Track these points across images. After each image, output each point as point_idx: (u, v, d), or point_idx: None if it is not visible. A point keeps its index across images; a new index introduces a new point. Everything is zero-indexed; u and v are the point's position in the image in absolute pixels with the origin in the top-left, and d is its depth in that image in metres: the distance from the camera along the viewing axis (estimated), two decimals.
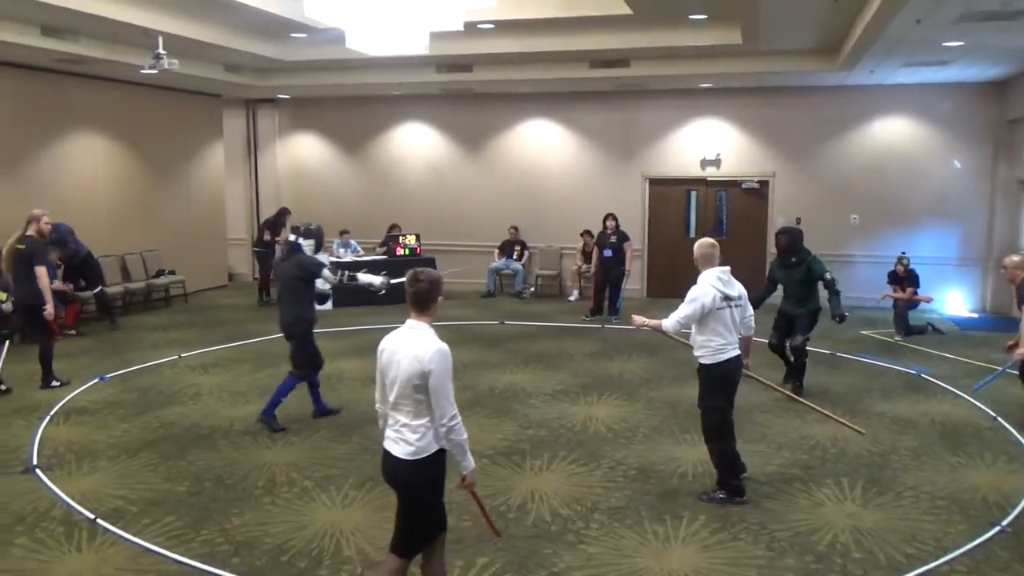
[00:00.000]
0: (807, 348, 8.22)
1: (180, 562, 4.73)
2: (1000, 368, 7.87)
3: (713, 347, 5.57)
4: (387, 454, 3.81)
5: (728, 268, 5.67)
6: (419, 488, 3.78)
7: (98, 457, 6.45)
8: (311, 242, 7.40)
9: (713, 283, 5.56)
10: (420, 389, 3.67)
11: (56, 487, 5.80)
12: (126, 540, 5.01)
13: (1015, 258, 7.64)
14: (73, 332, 10.62)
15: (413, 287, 3.81)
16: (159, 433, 7.05)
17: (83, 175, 12.47)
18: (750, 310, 5.79)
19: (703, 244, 5.80)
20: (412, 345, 3.72)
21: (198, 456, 6.49)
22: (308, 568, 4.68)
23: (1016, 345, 7.39)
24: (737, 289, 5.64)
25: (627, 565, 4.73)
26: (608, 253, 12.50)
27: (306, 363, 7.40)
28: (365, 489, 5.82)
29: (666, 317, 5.69)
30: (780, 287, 8.47)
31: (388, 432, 3.83)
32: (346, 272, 7.69)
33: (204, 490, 5.81)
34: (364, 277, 7.67)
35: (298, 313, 7.34)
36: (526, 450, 6.64)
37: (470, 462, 3.82)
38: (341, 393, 8.33)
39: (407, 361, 3.69)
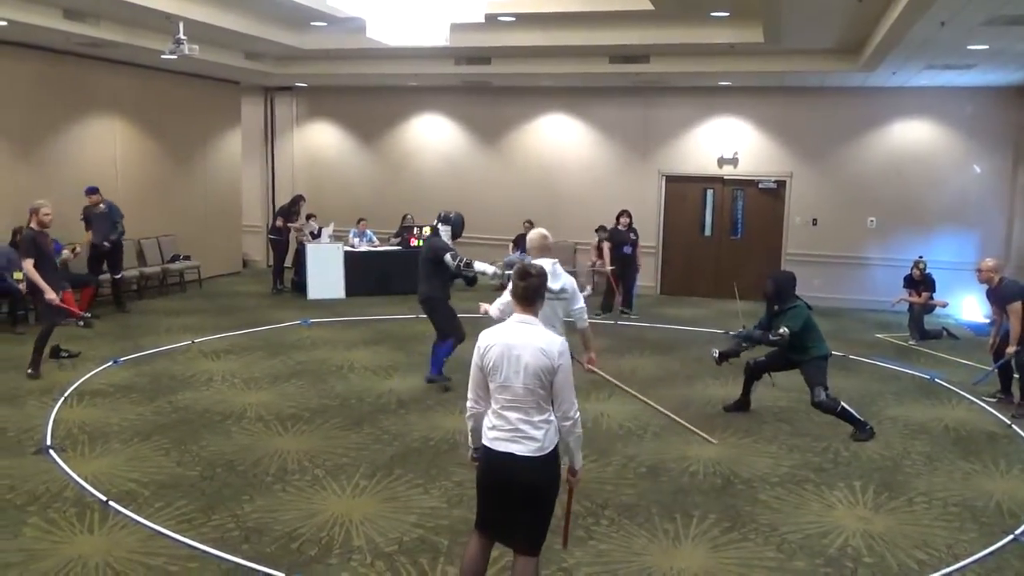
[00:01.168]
0: (834, 398, 7.01)
1: (190, 546, 4.75)
2: (992, 368, 8.12)
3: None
4: (503, 455, 3.64)
5: (557, 261, 5.74)
6: (548, 483, 3.70)
7: (111, 440, 6.49)
8: (448, 228, 8.14)
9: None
10: (545, 384, 3.61)
11: (69, 468, 5.84)
12: (137, 523, 5.03)
13: (990, 261, 8.08)
14: (89, 315, 10.64)
15: (524, 281, 3.71)
16: (172, 417, 7.08)
17: (101, 159, 12.51)
18: (578, 303, 5.78)
19: (536, 236, 5.90)
20: (532, 340, 3.63)
21: (210, 441, 6.51)
22: (318, 556, 4.69)
23: (999, 346, 7.91)
24: (562, 282, 5.67)
25: (637, 563, 4.72)
26: (628, 250, 12.47)
27: (449, 329, 8.01)
28: (376, 479, 5.83)
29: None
30: None
31: (494, 433, 3.68)
32: (463, 259, 8.08)
33: (216, 475, 5.83)
34: (479, 265, 8.14)
35: (427, 291, 8.05)
36: None
37: (581, 458, 3.84)
38: (352, 382, 8.34)
39: (530, 356, 3.59)
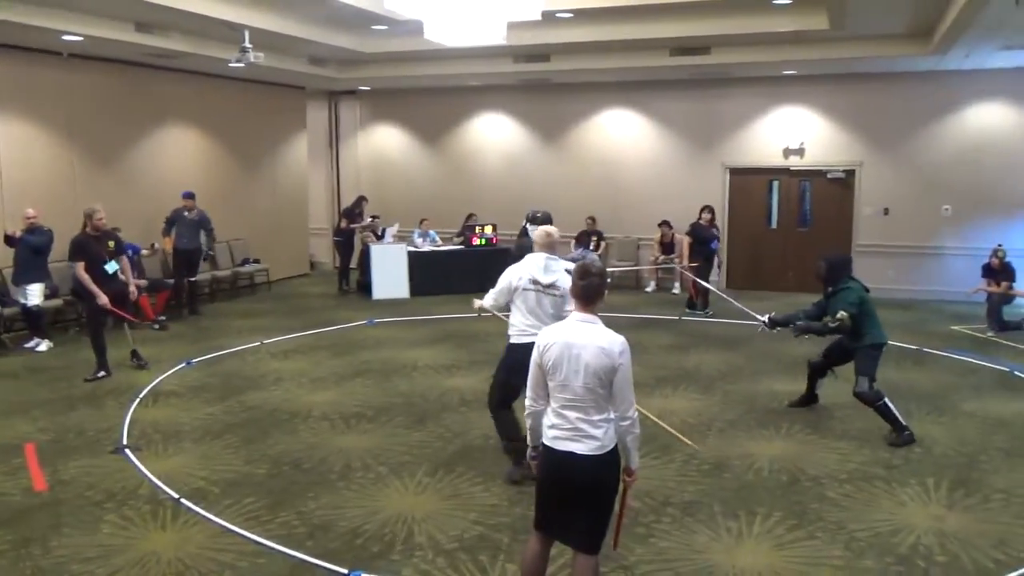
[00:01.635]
0: (877, 391, 6.65)
1: (257, 542, 4.87)
2: None
3: (516, 327, 5.60)
4: (565, 454, 3.63)
5: (556, 257, 5.58)
6: (608, 482, 3.70)
7: (183, 439, 6.69)
8: (536, 228, 7.81)
9: (527, 265, 5.57)
10: (605, 383, 3.59)
11: (143, 467, 6.04)
12: (207, 519, 5.18)
13: None
14: (163, 318, 11.00)
15: (584, 280, 3.68)
16: (241, 417, 7.26)
17: (175, 166, 12.91)
18: (570, 305, 5.30)
19: (540, 233, 5.70)
20: (593, 338, 3.61)
21: (277, 440, 6.66)
22: (381, 552, 4.75)
23: None
24: (554, 278, 5.51)
25: (699, 560, 4.66)
26: (715, 245, 12.37)
27: None
28: (437, 477, 5.88)
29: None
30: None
31: (554, 432, 3.67)
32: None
33: (282, 473, 5.96)
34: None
35: None
36: None
37: (638, 458, 3.86)
38: (415, 380, 8.43)
39: (592, 355, 3.57)
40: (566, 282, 5.47)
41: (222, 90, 13.63)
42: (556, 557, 4.32)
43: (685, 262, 12.19)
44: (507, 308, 5.78)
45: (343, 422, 7.13)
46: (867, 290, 6.81)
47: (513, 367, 5.43)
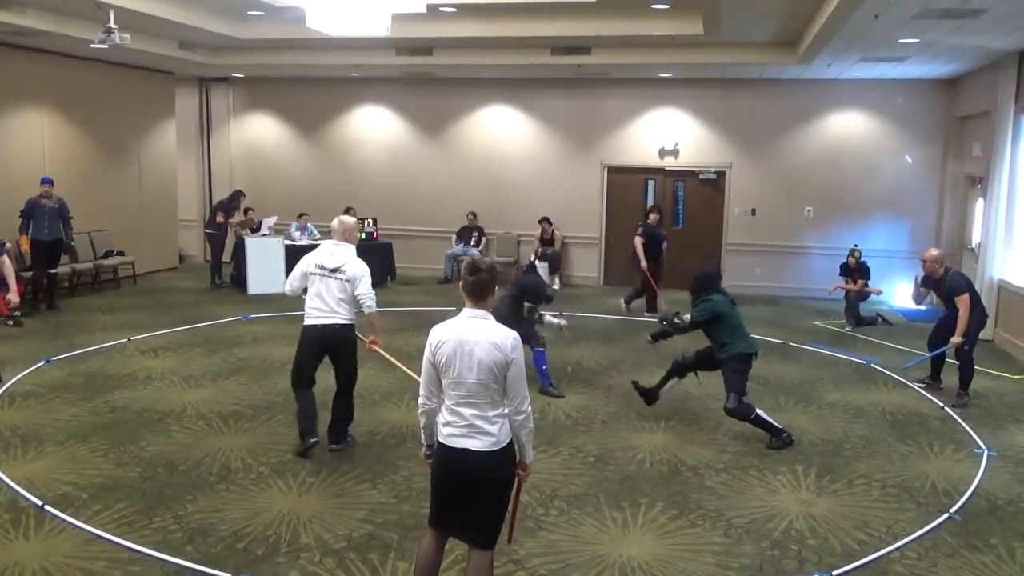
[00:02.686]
0: (747, 405, 6.58)
1: (132, 549, 4.62)
2: (927, 355, 8.18)
3: (305, 309, 6.03)
4: (461, 452, 3.61)
5: (345, 245, 6.03)
6: (504, 478, 3.72)
7: (45, 442, 6.27)
8: (545, 265, 8.36)
9: (318, 251, 6.04)
10: (498, 379, 3.59)
11: (1, 472, 5.62)
12: (75, 527, 4.88)
13: (934, 251, 8.04)
14: (18, 314, 10.28)
15: (474, 276, 3.65)
16: (109, 418, 6.88)
17: (28, 152, 12.08)
18: (361, 288, 5.94)
19: (335, 221, 6.17)
20: (485, 334, 3.60)
21: (150, 441, 6.34)
22: (265, 555, 4.60)
23: (935, 331, 8.04)
24: (339, 263, 5.93)
25: (587, 552, 4.74)
26: (667, 246, 12.08)
27: (531, 337, 7.77)
28: (322, 476, 5.75)
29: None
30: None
31: (449, 429, 3.65)
32: (539, 313, 8.27)
33: (157, 476, 5.68)
34: (549, 318, 8.34)
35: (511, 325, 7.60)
36: None
37: (531, 452, 3.84)
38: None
39: (484, 351, 3.56)
40: (356, 270, 5.94)
41: (84, 73, 12.85)
42: (448, 551, 4.30)
43: (642, 263, 11.71)
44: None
45: (220, 421, 6.87)
46: (734, 303, 6.83)
47: (303, 346, 6.12)
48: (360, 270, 5.98)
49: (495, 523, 3.75)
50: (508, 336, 3.63)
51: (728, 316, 6.71)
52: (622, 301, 12.15)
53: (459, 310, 3.75)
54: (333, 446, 6.21)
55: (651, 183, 14.59)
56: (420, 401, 3.77)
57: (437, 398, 3.73)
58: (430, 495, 3.83)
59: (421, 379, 3.76)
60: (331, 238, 6.10)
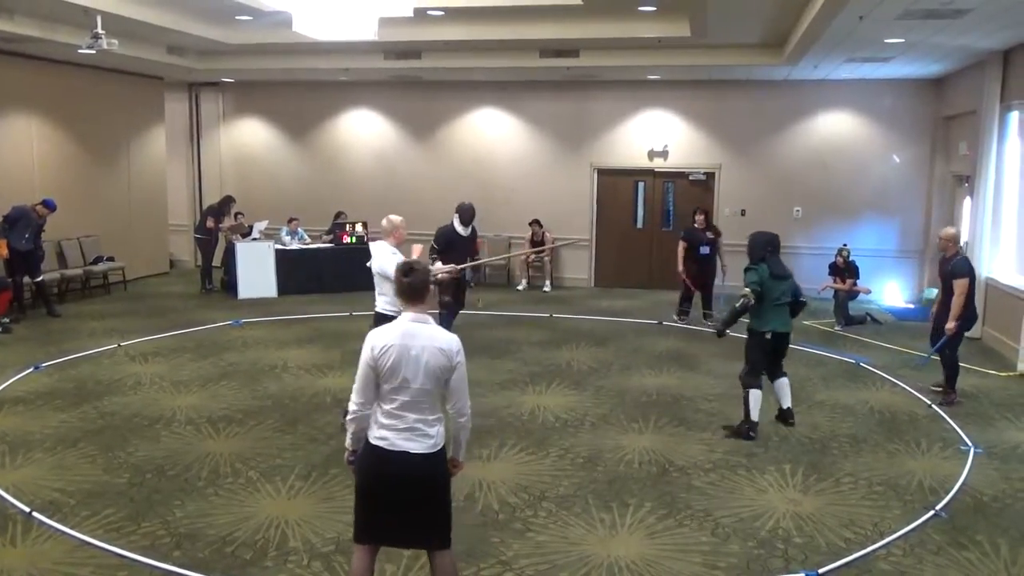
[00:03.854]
0: (746, 381, 6.80)
1: (120, 555, 4.62)
2: (931, 351, 8.01)
3: (384, 301, 6.53)
4: (398, 454, 3.58)
5: (379, 244, 6.80)
6: (443, 477, 3.74)
7: (33, 448, 6.26)
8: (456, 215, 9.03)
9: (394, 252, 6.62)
10: (441, 383, 3.62)
11: None
12: (63, 533, 4.88)
13: (951, 230, 7.96)
14: (7, 320, 10.26)
15: (409, 277, 3.65)
16: (98, 424, 6.87)
17: (16, 158, 12.04)
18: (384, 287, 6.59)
19: (384, 221, 7.05)
20: (431, 339, 3.60)
21: (139, 447, 6.34)
22: (253, 560, 4.61)
23: (935, 321, 7.81)
24: (371, 260, 6.72)
25: (575, 553, 4.76)
26: (705, 251, 11.37)
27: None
28: (311, 480, 5.76)
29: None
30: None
31: (385, 432, 3.60)
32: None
33: (145, 481, 5.68)
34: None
35: None
36: (473, 439, 6.59)
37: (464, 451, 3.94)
38: (286, 382, 8.21)
39: (431, 355, 3.57)
40: (376, 263, 6.62)
41: (72, 78, 12.83)
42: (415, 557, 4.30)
43: (680, 267, 11.37)
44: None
45: (209, 426, 6.87)
46: (780, 276, 6.81)
47: None
48: (377, 265, 6.63)
49: (446, 521, 3.79)
50: (453, 340, 3.66)
51: (766, 291, 6.73)
52: (675, 316, 11.55)
53: (442, 314, 3.78)
54: None
55: (641, 185, 14.63)
56: (354, 408, 3.67)
57: (372, 404, 3.66)
58: (358, 507, 3.75)
59: (357, 384, 3.65)
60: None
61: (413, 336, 3.60)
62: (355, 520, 3.80)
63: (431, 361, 3.57)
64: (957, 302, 7.45)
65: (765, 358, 6.85)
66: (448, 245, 8.91)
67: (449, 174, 15.14)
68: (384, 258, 6.56)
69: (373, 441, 3.64)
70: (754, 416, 6.71)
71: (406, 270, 3.68)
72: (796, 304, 6.95)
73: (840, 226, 13.46)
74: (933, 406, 7.63)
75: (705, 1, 8.49)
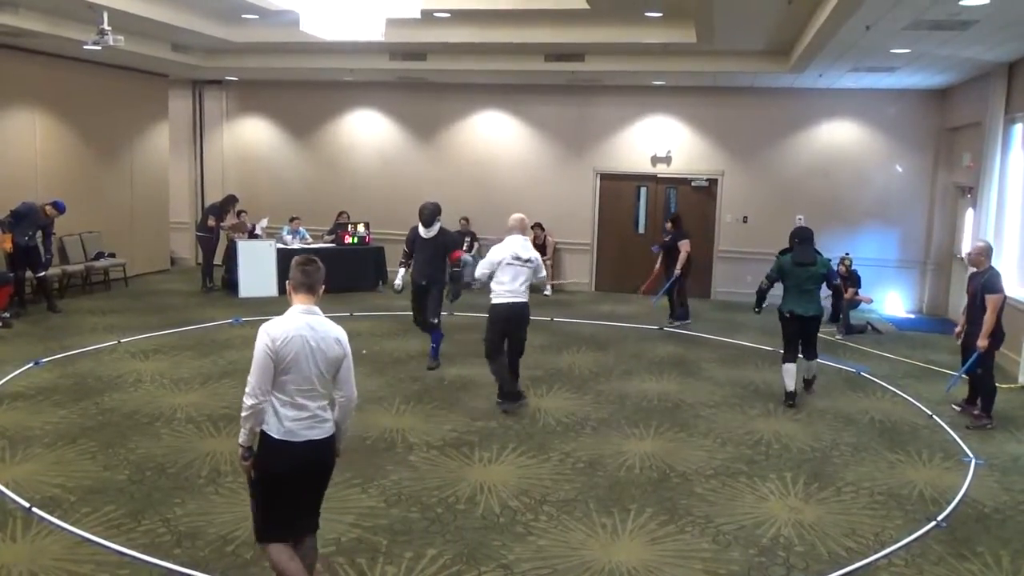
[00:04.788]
0: (783, 355, 8.06)
1: (120, 552, 4.61)
2: (960, 371, 7.76)
3: (496, 291, 7.37)
4: (305, 443, 3.71)
5: (528, 239, 7.65)
6: (333, 460, 3.92)
7: (33, 444, 6.25)
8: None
9: (510, 245, 7.41)
10: (334, 371, 3.79)
11: None
12: (63, 529, 4.86)
13: (981, 243, 7.69)
14: (7, 315, 10.24)
15: (308, 267, 3.80)
16: (98, 420, 6.86)
17: (20, 153, 12.03)
18: (542, 272, 7.75)
19: (513, 218, 7.65)
20: (327, 329, 3.77)
21: (139, 444, 6.33)
22: (254, 559, 4.59)
23: (965, 338, 7.57)
24: (529, 254, 7.45)
25: (576, 557, 4.75)
26: (656, 249, 12.18)
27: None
28: None
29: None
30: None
31: (290, 424, 3.67)
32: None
33: (145, 479, 5.67)
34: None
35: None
36: (475, 442, 6.62)
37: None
38: None
39: (328, 345, 3.73)
40: (537, 256, 7.54)
41: (76, 74, 12.81)
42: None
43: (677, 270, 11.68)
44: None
45: (210, 424, 6.86)
46: (804, 263, 7.75)
47: (495, 324, 7.45)
48: (538, 258, 7.55)
49: (320, 504, 3.98)
50: (342, 331, 3.85)
51: (786, 276, 7.86)
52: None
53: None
54: (509, 404, 7.41)
55: (643, 190, 14.64)
56: (252, 402, 3.64)
57: (268, 394, 3.67)
58: (266, 506, 3.77)
59: (255, 377, 3.64)
60: (511, 234, 7.48)
61: (311, 327, 3.74)
62: (263, 520, 3.83)
63: (329, 351, 3.73)
64: (989, 319, 7.15)
65: (791, 336, 7.87)
66: (411, 248, 8.88)
67: (452, 176, 15.14)
68: (534, 251, 7.51)
69: (278, 436, 3.69)
70: (788, 387, 7.83)
71: (306, 261, 3.83)
72: (833, 288, 8.17)
73: (842, 235, 13.46)
74: (934, 416, 7.63)
75: (712, 8, 8.50)
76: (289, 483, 3.76)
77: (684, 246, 11.63)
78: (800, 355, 7.89)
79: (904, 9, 7.26)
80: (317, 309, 3.80)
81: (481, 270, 7.49)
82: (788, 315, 7.82)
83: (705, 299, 13.94)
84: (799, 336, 7.84)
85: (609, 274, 14.75)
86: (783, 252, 8.06)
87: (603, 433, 6.97)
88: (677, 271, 11.63)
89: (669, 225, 12.08)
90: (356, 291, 13.41)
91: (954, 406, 7.87)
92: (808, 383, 8.22)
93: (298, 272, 3.80)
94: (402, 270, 9.00)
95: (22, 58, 11.83)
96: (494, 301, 7.42)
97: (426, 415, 7.24)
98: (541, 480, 5.87)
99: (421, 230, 8.71)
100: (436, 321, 8.77)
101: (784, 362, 7.90)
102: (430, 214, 8.70)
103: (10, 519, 4.98)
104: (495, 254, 7.42)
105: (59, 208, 10.93)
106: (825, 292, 8.05)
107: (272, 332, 3.67)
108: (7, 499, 5.24)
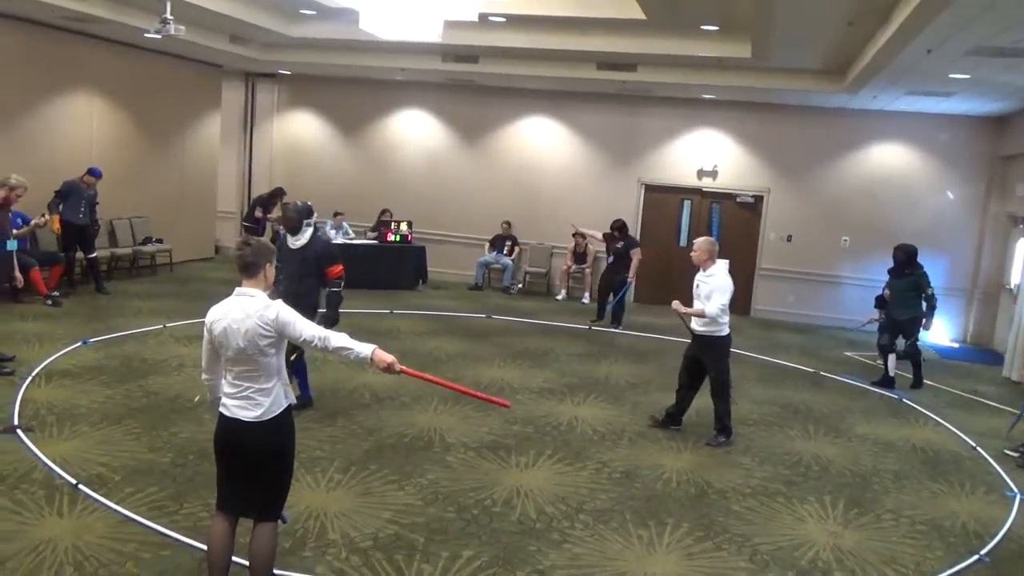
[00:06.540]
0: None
1: (163, 533, 4.68)
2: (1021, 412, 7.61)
3: (725, 322, 6.97)
4: (232, 421, 3.83)
5: (727, 262, 7.43)
6: (275, 447, 3.90)
7: (80, 422, 6.37)
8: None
9: (727, 273, 7.00)
10: (270, 346, 3.78)
11: (37, 449, 5.72)
12: (108, 507, 4.95)
13: None
14: (57, 294, 10.46)
15: (240, 251, 3.90)
16: (142, 402, 6.98)
17: (77, 136, 12.29)
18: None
19: (710, 241, 7.12)
20: (249, 309, 3.79)
21: (182, 428, 6.42)
22: (292, 549, 4.65)
23: None
24: (711, 286, 7.02)
25: (611, 568, 4.73)
26: (609, 259, 12.34)
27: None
28: (350, 473, 5.79)
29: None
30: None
31: (227, 400, 3.86)
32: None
33: (188, 463, 5.75)
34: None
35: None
36: (512, 446, 6.63)
37: (365, 348, 3.81)
38: (325, 374, 8.26)
39: (250, 326, 3.75)
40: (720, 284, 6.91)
41: (134, 61, 13.06)
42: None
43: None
44: None
45: None
46: (897, 274, 9.85)
47: (730, 354, 7.31)
48: (726, 285, 6.94)
49: (276, 494, 3.98)
50: (270, 307, 3.78)
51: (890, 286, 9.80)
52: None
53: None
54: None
55: (687, 203, 14.57)
56: (204, 377, 4.06)
57: (217, 373, 3.96)
58: (217, 472, 4.02)
59: (203, 358, 4.00)
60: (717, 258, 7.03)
61: (239, 308, 3.80)
62: (217, 484, 4.06)
63: (253, 330, 3.75)
64: None
65: (887, 333, 9.66)
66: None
67: (496, 180, 15.20)
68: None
69: (220, 408, 3.93)
70: (890, 372, 9.52)
71: (240, 245, 3.93)
72: (927, 299, 9.61)
73: (888, 259, 13.23)
74: (977, 448, 7.49)
75: (773, 25, 8.45)
76: (221, 455, 3.95)
77: (636, 254, 12.11)
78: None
79: (969, 34, 7.17)
80: (253, 291, 3.84)
81: (725, 302, 6.87)
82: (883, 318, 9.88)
83: (745, 316, 13.82)
84: (893, 333, 9.75)
85: (649, 286, 14.67)
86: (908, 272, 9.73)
87: (640, 445, 6.94)
88: (630, 279, 12.16)
89: (617, 233, 12.28)
90: (396, 288, 13.50)
91: (1009, 452, 7.33)
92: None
93: (235, 255, 3.94)
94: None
95: (85, 43, 12.08)
96: (728, 332, 7.05)
97: (463, 416, 7.26)
98: (577, 488, 5.86)
99: (289, 239, 6.84)
100: (293, 358, 6.37)
101: (885, 353, 9.76)
102: (298, 217, 6.77)
103: (57, 494, 5.08)
104: (730, 282, 6.93)
105: (95, 174, 11.11)
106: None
107: (209, 315, 3.88)
108: (55, 475, 5.35)
